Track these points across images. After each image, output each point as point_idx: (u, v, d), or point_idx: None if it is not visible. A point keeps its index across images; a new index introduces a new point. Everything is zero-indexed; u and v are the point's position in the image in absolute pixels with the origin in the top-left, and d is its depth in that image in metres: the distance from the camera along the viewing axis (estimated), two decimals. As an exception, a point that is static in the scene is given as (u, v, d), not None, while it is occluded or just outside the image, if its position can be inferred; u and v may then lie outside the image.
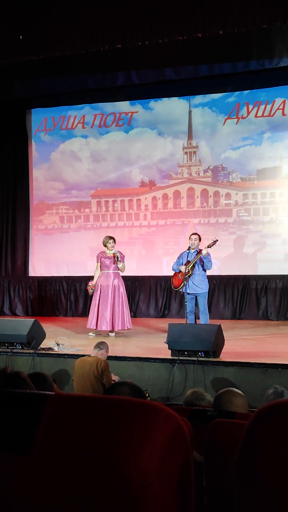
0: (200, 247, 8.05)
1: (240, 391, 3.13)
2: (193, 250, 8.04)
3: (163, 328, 8.27)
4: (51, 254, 11.82)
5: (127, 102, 11.30)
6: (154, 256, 11.28)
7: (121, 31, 7.55)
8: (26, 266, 12.00)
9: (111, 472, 0.84)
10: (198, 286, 7.99)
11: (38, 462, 0.87)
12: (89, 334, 8.49)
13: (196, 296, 8.07)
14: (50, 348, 7.03)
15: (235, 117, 10.72)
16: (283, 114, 10.45)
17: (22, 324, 7.20)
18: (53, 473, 0.87)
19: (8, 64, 8.41)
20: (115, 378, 5.80)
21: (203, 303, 8.06)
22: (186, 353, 6.34)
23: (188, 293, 7.98)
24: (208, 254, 7.93)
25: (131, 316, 8.91)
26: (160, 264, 11.15)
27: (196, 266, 7.98)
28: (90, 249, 10.90)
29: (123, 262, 8.36)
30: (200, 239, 8.12)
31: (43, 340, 7.19)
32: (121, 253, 8.41)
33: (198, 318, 8.25)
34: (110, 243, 8.42)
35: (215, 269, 9.29)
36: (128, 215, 11.46)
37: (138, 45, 7.72)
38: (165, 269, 10.74)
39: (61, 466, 0.86)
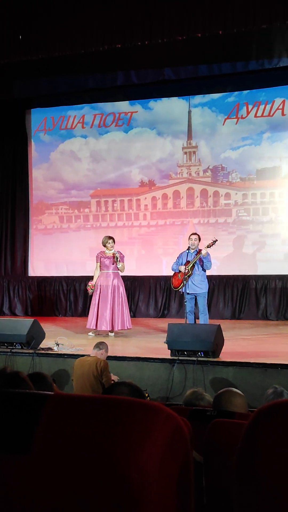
0: (199, 247, 8.05)
1: (239, 391, 3.13)
2: (192, 250, 8.04)
3: (162, 328, 8.27)
4: (51, 254, 11.82)
5: (127, 102, 11.30)
6: (153, 256, 11.28)
7: (120, 31, 7.55)
8: (26, 266, 12.00)
9: (110, 472, 0.84)
10: (197, 286, 7.99)
11: (38, 462, 0.87)
12: (89, 334, 8.50)
13: (195, 296, 8.07)
14: (49, 348, 7.03)
15: (234, 117, 10.73)
16: (283, 114, 10.45)
17: (22, 324, 7.20)
18: (52, 473, 0.87)
19: (8, 64, 8.41)
20: (114, 378, 5.80)
21: (202, 303, 8.06)
22: (185, 353, 6.34)
23: (188, 293, 7.98)
24: (208, 254, 7.93)
25: (131, 316, 8.91)
26: (160, 264, 11.15)
27: (196, 266, 7.99)
28: (90, 249, 10.90)
29: (123, 262, 8.36)
30: (199, 239, 8.12)
31: (42, 340, 7.19)
32: (121, 253, 8.41)
33: (198, 318, 8.25)
34: (109, 243, 8.42)
35: (215, 269, 9.28)
36: (128, 215, 11.47)
37: (138, 45, 7.72)
38: (165, 269, 10.74)
39: (61, 466, 0.86)
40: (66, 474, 0.86)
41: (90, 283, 8.57)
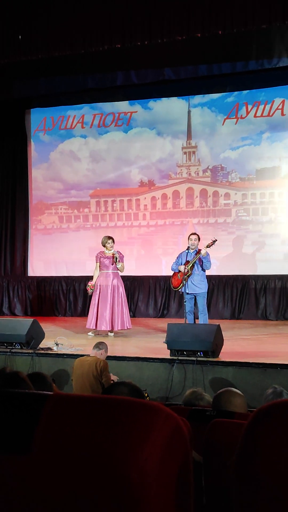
0: (199, 247, 8.05)
1: (239, 391, 3.13)
2: (192, 250, 8.04)
3: (162, 328, 8.27)
4: (50, 254, 11.82)
5: (126, 102, 11.30)
6: (153, 256, 11.28)
7: (120, 31, 7.55)
8: (25, 266, 11.99)
9: (110, 472, 0.84)
10: (197, 286, 8.00)
11: (37, 462, 0.87)
12: (88, 334, 8.49)
13: (195, 296, 8.08)
14: (49, 348, 7.03)
15: (234, 117, 10.73)
16: (282, 114, 10.45)
17: (21, 324, 7.20)
18: (52, 473, 0.87)
19: (8, 64, 8.41)
20: (114, 378, 5.80)
21: (202, 303, 8.06)
22: (185, 353, 6.34)
23: (187, 293, 7.98)
24: (207, 254, 7.93)
25: (130, 316, 8.91)
26: (159, 264, 11.15)
27: (196, 266, 7.99)
28: (89, 249, 10.90)
29: (122, 262, 8.36)
30: (199, 239, 8.12)
31: (42, 340, 7.18)
32: (120, 253, 8.41)
33: (197, 318, 8.25)
34: (109, 243, 8.42)
35: (214, 269, 9.28)
36: (127, 215, 11.46)
37: (138, 45, 7.72)
38: (164, 269, 10.74)
39: (60, 466, 0.86)
40: (66, 474, 0.86)
41: (89, 283, 8.57)
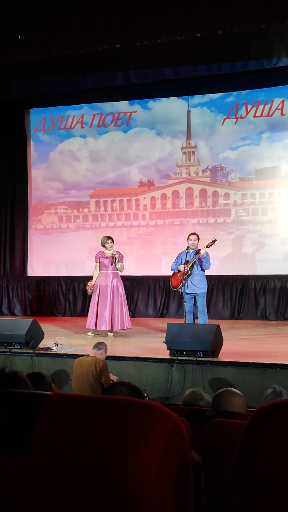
0: (198, 247, 8.05)
1: (238, 391, 3.13)
2: (191, 250, 8.04)
3: (161, 328, 8.27)
4: (50, 254, 11.82)
5: (126, 102, 11.30)
6: (152, 256, 11.28)
7: (120, 31, 7.55)
8: (25, 266, 11.99)
9: (109, 472, 0.84)
10: (197, 286, 8.00)
11: (36, 462, 0.87)
12: (88, 334, 8.49)
13: (194, 296, 8.08)
14: (48, 348, 7.03)
15: (233, 117, 10.73)
16: (282, 114, 10.45)
17: (21, 324, 7.20)
18: (51, 473, 0.87)
19: (7, 63, 8.41)
20: (113, 378, 5.81)
21: (201, 303, 8.07)
22: (184, 353, 6.34)
23: (187, 293, 7.98)
24: (207, 254, 7.93)
25: (130, 316, 8.91)
26: (159, 264, 11.15)
27: (195, 266, 7.99)
28: (89, 249, 10.90)
29: (122, 262, 8.36)
30: (198, 239, 8.12)
31: (41, 340, 7.19)
32: (120, 253, 8.41)
33: (197, 318, 8.25)
34: (108, 243, 8.42)
35: (214, 269, 9.29)
36: (127, 215, 11.46)
37: (137, 45, 7.72)
38: (164, 269, 10.74)
39: (60, 466, 0.86)
40: (65, 474, 0.86)
41: (89, 283, 8.57)
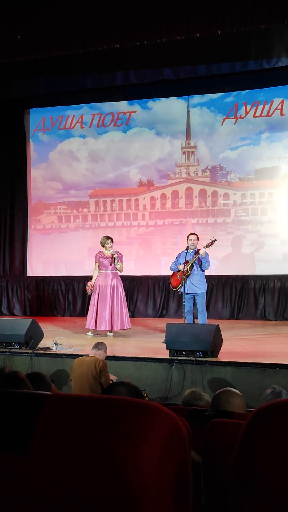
0: (198, 247, 8.05)
1: (238, 391, 3.13)
2: (191, 250, 8.04)
3: (161, 328, 8.27)
4: (49, 254, 11.82)
5: (126, 102, 11.30)
6: (152, 256, 11.28)
7: (119, 31, 7.55)
8: (24, 266, 11.99)
9: (109, 472, 0.84)
10: (196, 286, 8.00)
11: (36, 462, 0.87)
12: (88, 334, 8.49)
13: (194, 296, 8.08)
14: (48, 348, 7.03)
15: (233, 117, 10.73)
16: (281, 114, 10.45)
17: (20, 324, 7.20)
18: (51, 473, 0.87)
19: (7, 63, 8.40)
20: (113, 378, 5.81)
21: (201, 303, 8.07)
22: (184, 353, 6.34)
23: (187, 293, 7.98)
24: (206, 254, 7.93)
25: (129, 316, 8.91)
26: (158, 264, 11.15)
27: (195, 266, 7.99)
28: (88, 249, 10.90)
29: (121, 262, 8.36)
30: (198, 239, 8.12)
31: (41, 340, 7.18)
32: (119, 253, 8.41)
33: (196, 318, 8.25)
34: (108, 243, 8.41)
35: (213, 269, 9.29)
36: (126, 215, 11.46)
37: (137, 45, 7.72)
38: (163, 269, 10.74)
39: (59, 466, 0.86)
40: (65, 474, 0.86)
41: (89, 283, 8.57)
